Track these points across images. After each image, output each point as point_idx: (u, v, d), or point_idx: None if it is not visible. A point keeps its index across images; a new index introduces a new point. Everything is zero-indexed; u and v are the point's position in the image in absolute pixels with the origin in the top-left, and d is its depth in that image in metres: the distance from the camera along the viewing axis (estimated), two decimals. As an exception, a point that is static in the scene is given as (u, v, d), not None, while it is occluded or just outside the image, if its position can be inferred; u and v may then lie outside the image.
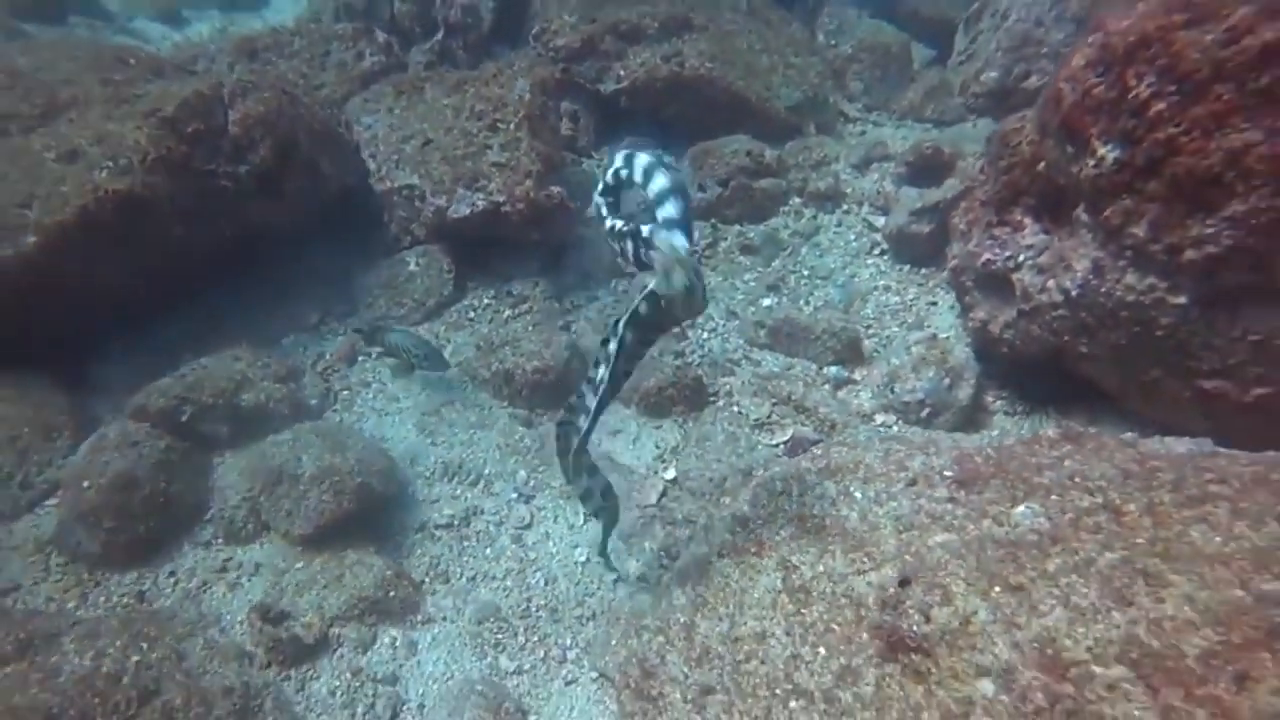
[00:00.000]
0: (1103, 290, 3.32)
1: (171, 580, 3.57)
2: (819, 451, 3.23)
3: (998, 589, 2.12)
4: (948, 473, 2.72)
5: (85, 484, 3.59)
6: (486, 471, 3.95)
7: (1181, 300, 3.11)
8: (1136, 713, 1.70)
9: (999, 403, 4.00)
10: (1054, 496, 2.37)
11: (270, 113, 4.95)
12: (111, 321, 4.58)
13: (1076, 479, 2.41)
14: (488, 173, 5.18)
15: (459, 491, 3.88)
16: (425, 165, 5.34)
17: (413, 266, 5.19)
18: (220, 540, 3.71)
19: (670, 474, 3.82)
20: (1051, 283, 3.56)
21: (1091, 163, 3.22)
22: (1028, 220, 3.77)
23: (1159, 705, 1.69)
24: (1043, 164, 3.63)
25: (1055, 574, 2.07)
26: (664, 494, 3.71)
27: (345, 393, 4.51)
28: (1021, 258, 3.74)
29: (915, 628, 2.14)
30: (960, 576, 2.19)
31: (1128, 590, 1.94)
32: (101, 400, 4.34)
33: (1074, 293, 3.43)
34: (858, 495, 2.79)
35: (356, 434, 4.06)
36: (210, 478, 3.93)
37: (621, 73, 6.50)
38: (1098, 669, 1.82)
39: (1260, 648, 1.69)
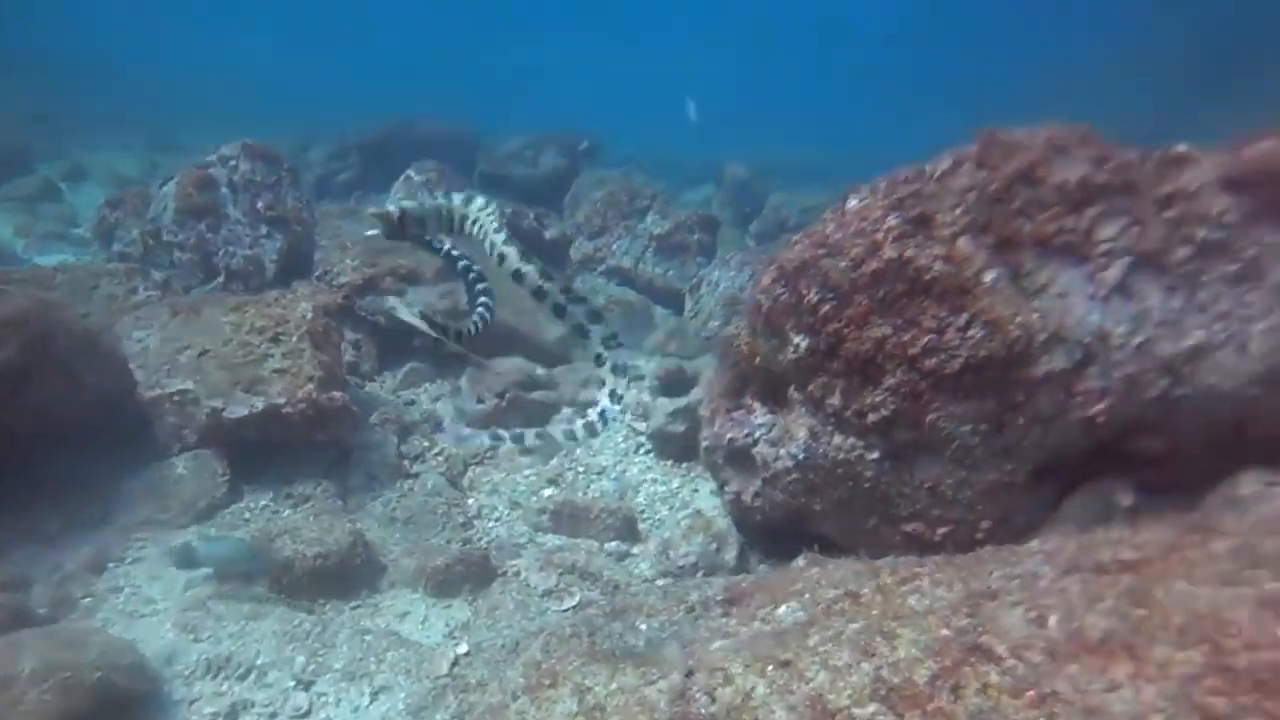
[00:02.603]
0: (820, 452, 3.86)
1: None
2: (604, 602, 3.26)
3: (770, 667, 2.23)
4: (719, 598, 2.89)
5: None
6: (259, 662, 3.43)
7: (876, 455, 3.70)
8: (890, 734, 1.85)
9: (761, 566, 4.30)
10: (807, 596, 2.61)
11: (20, 313, 4.51)
12: None
13: (823, 582, 2.68)
14: (268, 378, 5.04)
15: (225, 687, 3.32)
16: (201, 372, 5.09)
17: (181, 469, 4.73)
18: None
19: (462, 648, 3.57)
20: (783, 451, 4.06)
21: (791, 350, 3.89)
22: (756, 404, 4.35)
23: (906, 723, 1.86)
24: (758, 357, 4.28)
25: (815, 646, 2.24)
26: (455, 663, 3.45)
27: (87, 600, 3.81)
28: (757, 434, 4.25)
29: (703, 710, 2.17)
30: (738, 662, 2.29)
31: (870, 646, 2.15)
32: None
33: (800, 457, 3.94)
34: (643, 628, 2.85)
35: (99, 633, 3.41)
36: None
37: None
38: (857, 710, 1.97)
39: (963, 665, 1.97)
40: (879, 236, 3.52)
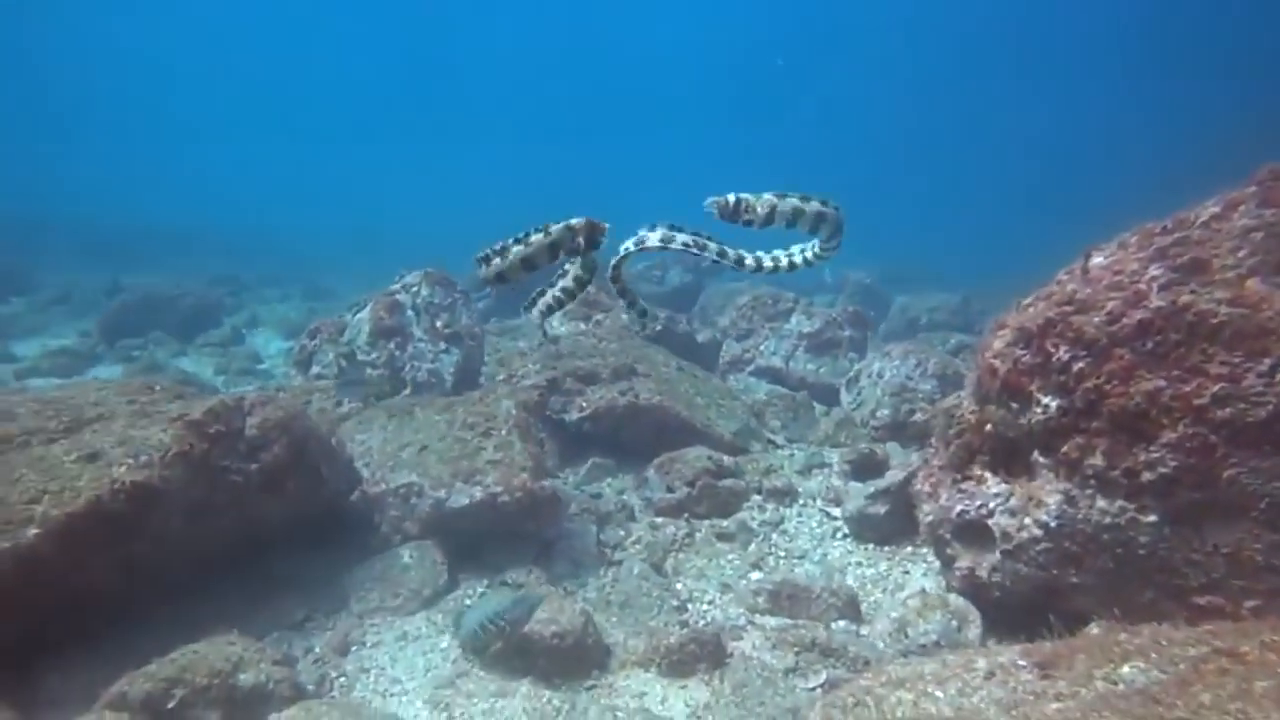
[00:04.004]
0: (1079, 518, 3.45)
1: None
2: (869, 675, 2.92)
3: (1161, 729, 1.88)
4: (1022, 662, 2.52)
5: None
6: (516, 740, 3.27)
7: (1153, 519, 3.26)
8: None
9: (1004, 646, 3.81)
10: (1154, 655, 2.23)
11: (287, 417, 4.87)
12: (80, 628, 3.87)
13: (1163, 641, 2.30)
14: (484, 469, 5.12)
15: (487, 764, 3.16)
16: (423, 465, 5.24)
17: (406, 559, 4.79)
18: None
19: (713, 729, 3.28)
20: (1028, 520, 3.68)
21: (1039, 411, 3.58)
22: (987, 474, 4.00)
23: None
24: (989, 424, 3.96)
25: (1214, 705, 1.87)
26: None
27: (341, 680, 3.80)
28: (992, 505, 3.88)
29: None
30: (1115, 717, 1.94)
31: (1301, 704, 1.77)
32: (54, 715, 3.46)
33: (1053, 525, 3.54)
34: (939, 695, 2.51)
35: (370, 708, 3.35)
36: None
37: (584, 404, 6.87)
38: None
39: None
40: (1141, 287, 3.26)
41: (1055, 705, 2.18)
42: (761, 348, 10.09)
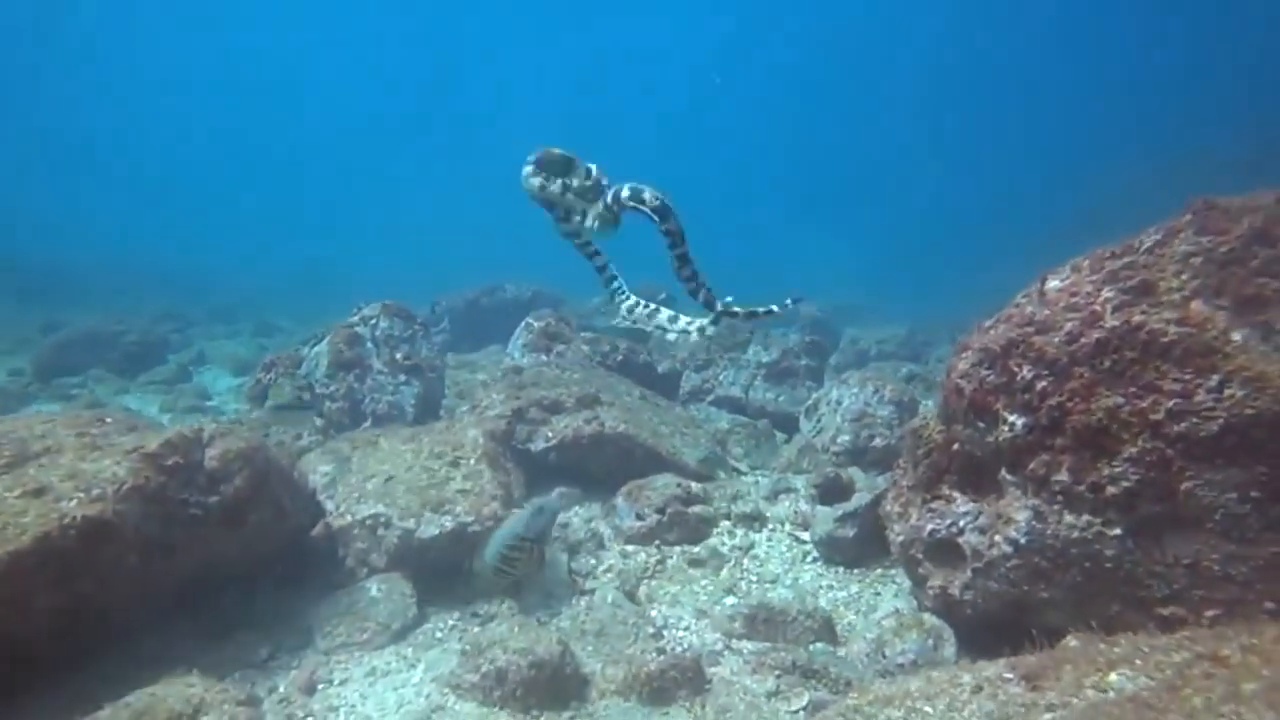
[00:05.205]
0: (1048, 533, 3.51)
1: None
2: (855, 694, 2.89)
3: (1157, 733, 1.88)
4: (1008, 675, 2.53)
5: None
6: (497, 775, 3.12)
7: (1118, 532, 3.33)
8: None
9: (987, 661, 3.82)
10: (1138, 662, 2.26)
11: (248, 449, 4.66)
12: (27, 672, 3.60)
13: (1144, 648, 2.33)
14: (453, 499, 4.99)
15: (468, 804, 2.99)
16: (390, 496, 5.06)
17: (374, 592, 4.59)
18: None
19: (700, 757, 3.18)
20: (998, 537, 3.72)
21: (1006, 429, 3.65)
22: (956, 493, 4.05)
23: None
24: (957, 444, 4.03)
25: (1207, 709, 1.89)
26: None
27: (309, 719, 3.58)
28: (962, 523, 3.93)
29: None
30: (1113, 728, 1.94)
31: (1289, 703, 1.80)
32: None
33: (1023, 541, 3.59)
34: (929, 710, 2.50)
35: (342, 747, 3.16)
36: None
37: (549, 433, 6.76)
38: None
39: None
40: (1096, 308, 3.38)
41: (1048, 716, 2.18)
42: (721, 377, 10.14)
